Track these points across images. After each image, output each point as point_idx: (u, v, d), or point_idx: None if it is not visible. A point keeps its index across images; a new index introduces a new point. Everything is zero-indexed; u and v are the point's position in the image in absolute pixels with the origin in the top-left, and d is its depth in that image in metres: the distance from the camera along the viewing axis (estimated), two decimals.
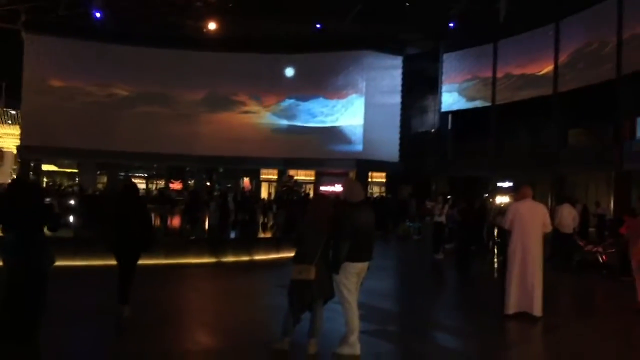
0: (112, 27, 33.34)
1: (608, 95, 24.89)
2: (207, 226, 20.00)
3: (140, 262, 7.45)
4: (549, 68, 29.16)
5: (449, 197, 18.54)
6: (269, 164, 37.66)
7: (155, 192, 36.08)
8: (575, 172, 28.27)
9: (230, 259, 12.89)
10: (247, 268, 12.53)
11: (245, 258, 13.18)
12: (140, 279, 7.50)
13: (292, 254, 6.06)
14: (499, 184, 31.43)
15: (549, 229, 8.13)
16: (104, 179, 39.55)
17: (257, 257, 13.46)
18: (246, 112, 37.83)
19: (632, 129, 24.40)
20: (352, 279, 5.84)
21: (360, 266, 5.89)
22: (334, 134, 36.44)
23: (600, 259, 12.75)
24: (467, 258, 13.05)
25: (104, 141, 33.85)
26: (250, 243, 14.62)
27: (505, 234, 13.25)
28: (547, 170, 28.16)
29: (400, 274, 14.01)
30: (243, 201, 24.58)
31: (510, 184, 30.57)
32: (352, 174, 35.53)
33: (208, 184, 39.47)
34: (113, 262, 7.42)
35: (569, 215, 13.56)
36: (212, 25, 34.28)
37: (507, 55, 31.94)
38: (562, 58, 28.38)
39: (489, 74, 32.77)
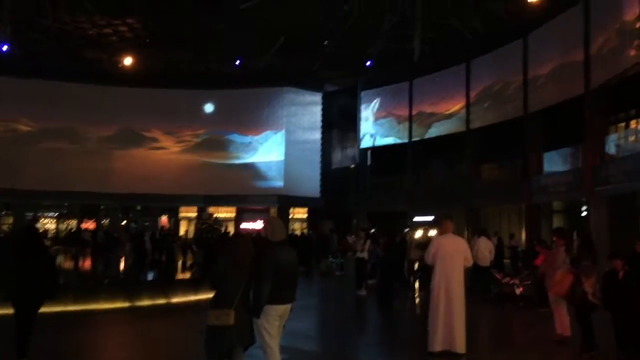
0: (20, 61, 31.81)
1: (517, 132, 26.16)
2: (122, 268, 19.00)
3: (45, 309, 6.86)
4: (461, 105, 30.37)
5: (372, 231, 18.59)
6: (188, 201, 36.70)
7: (66, 232, 34.19)
8: (488, 205, 29.34)
9: (145, 302, 12.20)
10: (164, 312, 11.89)
11: (161, 301, 12.52)
12: (44, 328, 6.88)
13: (211, 296, 5.70)
14: (416, 218, 32.07)
15: (471, 263, 8.19)
16: (10, 220, 37.10)
17: (175, 300, 12.84)
18: (161, 148, 36.94)
19: (539, 164, 25.65)
20: (274, 322, 5.55)
21: (283, 308, 5.63)
22: (255, 170, 36.20)
23: (517, 291, 13.07)
24: (389, 294, 13.02)
25: (9, 179, 31.84)
26: (167, 285, 13.97)
27: (426, 269, 13.39)
28: (461, 204, 29.04)
29: (324, 312, 13.76)
30: (161, 240, 23.67)
31: (429, 217, 31.25)
32: (273, 210, 35.23)
33: (124, 222, 37.89)
34: (11, 311, 6.76)
35: (485, 248, 13.87)
36: (128, 60, 33.40)
37: (421, 93, 33.05)
38: (473, 96, 29.65)
39: (405, 111, 33.72)
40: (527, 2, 25.55)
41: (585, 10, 22.09)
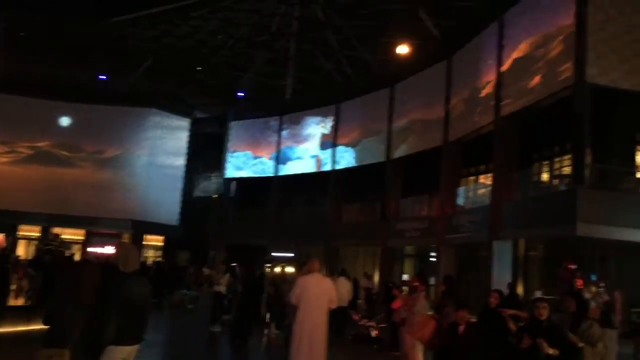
0: None
1: (378, 176, 27.10)
2: None
3: None
4: (329, 147, 30.97)
5: (234, 264, 17.95)
6: (29, 219, 33.40)
7: None
8: (346, 245, 29.91)
9: None
10: None
11: None
12: None
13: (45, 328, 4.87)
14: (275, 254, 31.81)
15: (335, 305, 7.98)
16: None
17: (2, 330, 11.28)
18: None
19: (396, 209, 26.69)
20: None
21: (129, 350, 4.94)
22: (109, 191, 33.87)
23: (373, 333, 13.14)
24: (245, 331, 12.46)
25: None
26: None
27: (284, 308, 13.04)
28: (321, 242, 29.32)
29: (174, 350, 12.76)
30: None
31: (288, 254, 31.17)
32: (126, 236, 33.17)
33: None
34: None
35: (344, 288, 13.85)
36: None
37: (289, 130, 33.33)
38: (340, 138, 30.39)
39: (273, 146, 33.74)
40: (395, 54, 26.95)
41: (448, 68, 23.68)
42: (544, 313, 5.89)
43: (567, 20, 16.49)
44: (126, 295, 4.85)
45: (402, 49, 26.51)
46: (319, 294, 7.59)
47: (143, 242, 34.32)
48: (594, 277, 13.41)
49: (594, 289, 12.62)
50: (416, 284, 9.28)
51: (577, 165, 15.55)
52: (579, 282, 12.38)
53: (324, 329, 7.62)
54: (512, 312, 7.50)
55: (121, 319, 4.73)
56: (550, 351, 5.54)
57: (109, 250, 31.63)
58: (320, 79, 33.56)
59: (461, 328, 6.86)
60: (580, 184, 15.26)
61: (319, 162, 30.72)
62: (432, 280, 21.53)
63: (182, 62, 32.23)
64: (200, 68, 33.53)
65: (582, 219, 14.88)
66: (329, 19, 29.09)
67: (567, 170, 18.84)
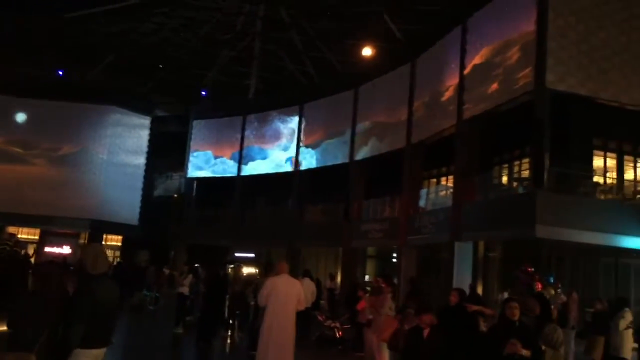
0: None
1: (342, 177, 27.19)
2: None
3: None
4: (292, 146, 30.93)
5: (196, 265, 17.74)
6: None
7: None
8: (309, 245, 29.92)
9: None
10: None
11: None
12: None
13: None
14: (237, 254, 31.61)
15: (303, 306, 7.99)
16: None
17: None
18: None
19: (359, 210, 26.82)
20: None
21: (96, 353, 4.83)
22: (66, 189, 33.00)
23: (337, 334, 13.16)
24: (210, 333, 12.32)
25: None
26: None
27: (248, 309, 12.97)
28: (284, 243, 29.26)
29: (137, 353, 12.49)
30: None
31: (250, 254, 31.06)
32: (84, 235, 32.44)
33: None
34: None
35: (308, 290, 13.82)
36: None
37: (252, 130, 33.13)
38: (305, 139, 30.39)
39: (236, 146, 33.50)
40: (360, 56, 27.15)
41: (412, 71, 23.94)
42: (516, 313, 5.83)
43: (528, 26, 16.89)
44: (94, 298, 4.73)
45: (367, 52, 26.78)
46: (288, 295, 7.57)
47: (102, 242, 33.61)
48: (552, 279, 13.74)
49: (552, 291, 12.93)
50: (382, 285, 9.35)
51: (536, 168, 15.91)
52: (538, 285, 12.64)
53: (292, 330, 7.61)
54: (476, 307, 7.58)
55: (89, 322, 4.62)
56: (524, 352, 5.55)
57: (66, 250, 31.01)
58: (284, 79, 33.55)
59: (426, 332, 6.58)
60: (540, 187, 15.63)
61: (295, 162, 30.49)
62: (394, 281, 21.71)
63: (144, 60, 31.72)
64: (162, 66, 33.09)
65: (540, 221, 15.22)
66: (294, 20, 29.10)
67: (526, 173, 19.31)
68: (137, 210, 35.24)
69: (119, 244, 36.09)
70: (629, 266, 18.19)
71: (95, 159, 33.79)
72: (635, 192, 18.74)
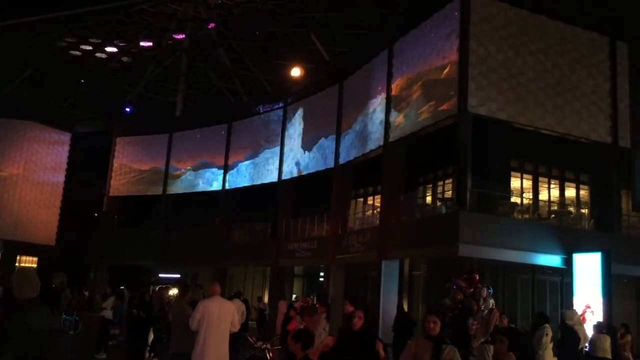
0: None
1: (270, 197, 27.15)
2: None
3: None
4: (220, 164, 30.59)
5: (121, 288, 17.13)
6: None
7: None
8: (237, 265, 29.60)
9: None
10: None
11: None
12: None
13: None
14: (163, 275, 30.76)
15: (237, 328, 7.88)
16: None
17: None
18: None
19: (287, 229, 26.82)
20: None
21: None
22: None
23: (268, 355, 13.02)
24: (138, 357, 11.91)
25: None
26: None
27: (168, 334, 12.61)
28: (210, 262, 28.79)
29: None
30: None
31: (175, 275, 30.32)
32: None
33: None
34: None
35: (238, 311, 13.65)
36: None
37: (180, 148, 32.50)
38: (231, 157, 30.14)
39: (162, 163, 32.77)
40: (289, 76, 27.43)
41: (340, 92, 24.38)
42: (435, 328, 5.39)
43: (451, 53, 17.64)
44: (22, 327, 4.49)
45: (295, 72, 27.10)
46: (221, 317, 7.45)
47: (16, 264, 31.84)
48: (491, 290, 14.08)
49: (491, 300, 13.35)
50: (317, 305, 9.36)
51: (459, 189, 16.51)
52: (485, 293, 13.08)
53: (226, 353, 7.50)
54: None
55: (17, 353, 4.37)
56: None
57: None
58: (212, 97, 33.31)
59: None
60: (463, 207, 16.23)
61: (223, 180, 30.09)
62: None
63: (65, 74, 30.61)
64: (83, 80, 32.07)
65: (463, 240, 15.79)
66: (222, 38, 29.03)
67: (449, 194, 19.99)
68: (55, 230, 33.69)
69: (34, 265, 34.26)
70: (545, 282, 19.12)
71: (10, 176, 32.11)
72: (550, 212, 19.78)
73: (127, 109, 33.31)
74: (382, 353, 6.05)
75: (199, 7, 27.46)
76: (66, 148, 34.59)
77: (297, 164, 26.40)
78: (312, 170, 25.37)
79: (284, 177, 27.06)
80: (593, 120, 18.74)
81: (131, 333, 12.77)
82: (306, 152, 26.01)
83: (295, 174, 26.44)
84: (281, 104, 27.94)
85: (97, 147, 35.08)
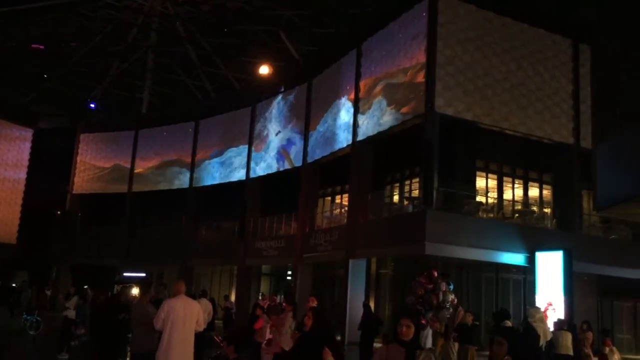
0: None
1: (237, 195, 26.97)
2: None
3: None
4: (187, 162, 30.25)
5: (85, 287, 16.79)
6: None
7: None
8: (203, 263, 29.35)
9: None
10: None
11: None
12: None
13: None
14: (127, 274, 30.31)
15: (202, 327, 7.80)
16: None
17: None
18: None
19: (255, 228, 26.68)
20: None
21: None
22: None
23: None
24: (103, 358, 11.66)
25: None
26: None
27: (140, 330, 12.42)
28: (176, 261, 28.48)
29: None
30: None
31: (141, 274, 29.89)
32: None
33: None
34: None
35: (205, 311, 13.55)
36: None
37: (146, 145, 32.03)
38: (199, 155, 29.85)
39: (127, 160, 32.25)
40: (257, 74, 27.28)
41: (308, 91, 24.36)
42: (409, 332, 5.01)
43: (419, 54, 17.80)
44: None
45: (264, 70, 26.97)
46: (186, 317, 7.36)
47: None
48: (452, 286, 14.30)
49: (452, 296, 13.57)
50: (284, 304, 9.35)
51: (426, 188, 16.67)
52: (444, 287, 13.28)
53: (191, 352, 7.42)
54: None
55: None
56: None
57: None
58: (179, 94, 32.94)
59: None
60: (429, 206, 16.40)
61: (190, 178, 29.78)
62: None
63: (27, 69, 29.87)
64: (46, 76, 31.34)
65: (429, 238, 15.99)
66: (190, 34, 28.72)
67: (415, 193, 20.18)
68: (16, 228, 32.82)
69: None
70: (509, 280, 19.47)
71: None
72: (514, 212, 20.14)
73: (92, 105, 32.67)
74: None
75: (167, 3, 27.10)
76: (28, 144, 33.68)
77: (266, 161, 26.36)
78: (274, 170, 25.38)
79: (252, 175, 26.93)
80: (556, 121, 19.17)
81: (94, 333, 12.50)
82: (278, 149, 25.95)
83: (263, 173, 26.36)
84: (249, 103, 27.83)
85: (60, 144, 34.37)
